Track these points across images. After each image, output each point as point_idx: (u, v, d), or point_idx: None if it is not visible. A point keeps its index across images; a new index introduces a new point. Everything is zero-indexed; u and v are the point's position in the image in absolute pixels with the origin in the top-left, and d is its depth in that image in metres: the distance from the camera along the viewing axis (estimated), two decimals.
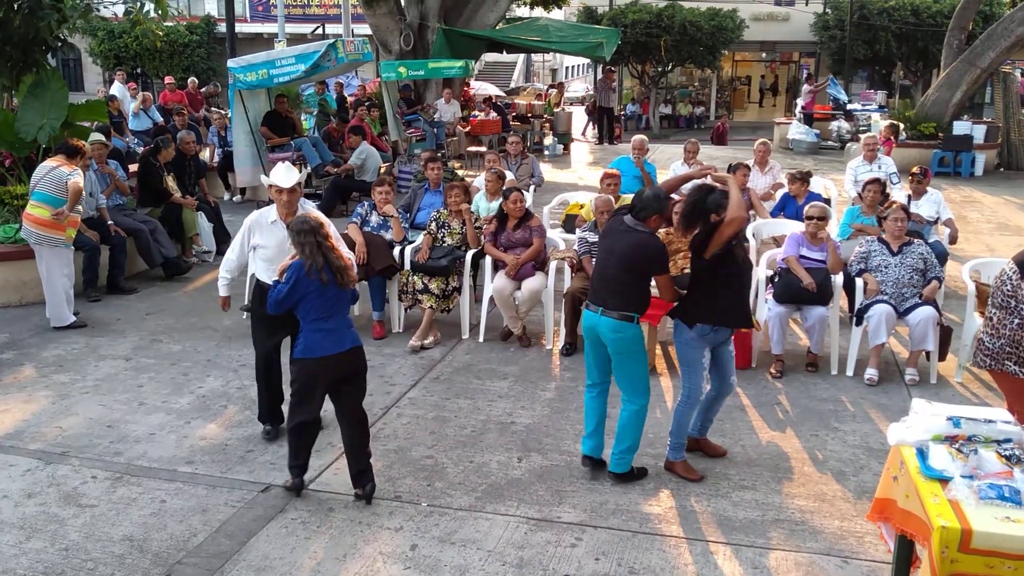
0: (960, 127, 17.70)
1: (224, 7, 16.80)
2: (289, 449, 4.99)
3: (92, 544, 4.48)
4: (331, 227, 5.15)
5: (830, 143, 21.23)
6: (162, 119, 16.52)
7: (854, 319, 6.91)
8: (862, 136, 11.76)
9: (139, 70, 32.71)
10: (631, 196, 8.80)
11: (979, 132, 17.71)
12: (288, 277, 4.72)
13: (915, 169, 8.86)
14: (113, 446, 5.59)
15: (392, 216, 7.82)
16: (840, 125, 21.54)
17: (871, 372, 6.71)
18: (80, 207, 8.07)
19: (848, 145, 19.36)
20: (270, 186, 5.50)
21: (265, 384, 5.69)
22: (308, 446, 4.98)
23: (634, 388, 5.05)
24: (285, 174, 5.46)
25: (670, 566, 4.31)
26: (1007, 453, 3.52)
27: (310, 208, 5.64)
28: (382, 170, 12.80)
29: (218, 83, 21.58)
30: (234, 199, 13.89)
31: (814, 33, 33.06)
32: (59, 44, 10.52)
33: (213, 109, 17.92)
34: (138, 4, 10.75)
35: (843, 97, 23.47)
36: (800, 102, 24.45)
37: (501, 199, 7.71)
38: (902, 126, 17.91)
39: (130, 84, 20.61)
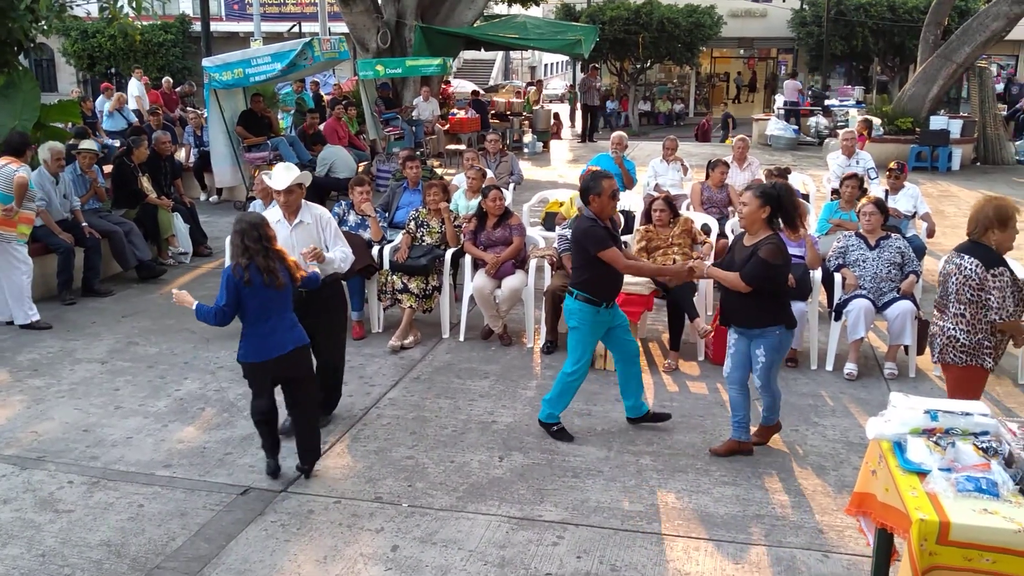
0: (937, 122, 17.84)
1: (199, 6, 16.64)
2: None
3: (69, 550, 4.43)
4: (326, 225, 5.37)
5: (808, 139, 21.36)
6: (136, 119, 16.38)
7: (833, 314, 6.95)
8: (840, 132, 11.81)
9: (113, 70, 32.39)
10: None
11: (955, 127, 17.85)
12: (221, 285, 4.75)
13: (892, 164, 8.92)
14: (89, 450, 5.52)
15: (370, 215, 7.78)
16: (818, 121, 21.69)
17: (850, 367, 6.74)
18: (33, 204, 7.98)
19: (826, 141, 19.48)
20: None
21: None
22: (269, 432, 5.09)
23: (569, 354, 5.57)
24: (281, 174, 5.52)
25: (652, 563, 4.31)
26: (984, 445, 3.53)
27: (315, 208, 5.64)
28: (360, 169, 12.74)
29: (193, 82, 21.42)
30: (211, 199, 13.79)
31: (791, 29, 33.19)
32: (32, 45, 10.40)
33: (189, 108, 17.78)
34: (112, 0, 10.63)
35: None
36: (782, 97, 24.60)
37: (480, 197, 7.69)
38: (878, 121, 18.03)
39: (104, 84, 20.41)
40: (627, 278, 7.03)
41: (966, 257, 4.52)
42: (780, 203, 5.03)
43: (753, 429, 5.51)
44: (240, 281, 4.68)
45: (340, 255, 5.60)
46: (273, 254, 4.75)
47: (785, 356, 6.65)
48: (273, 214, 5.61)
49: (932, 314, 4.87)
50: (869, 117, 17.39)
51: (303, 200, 5.64)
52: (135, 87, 18.30)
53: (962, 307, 4.55)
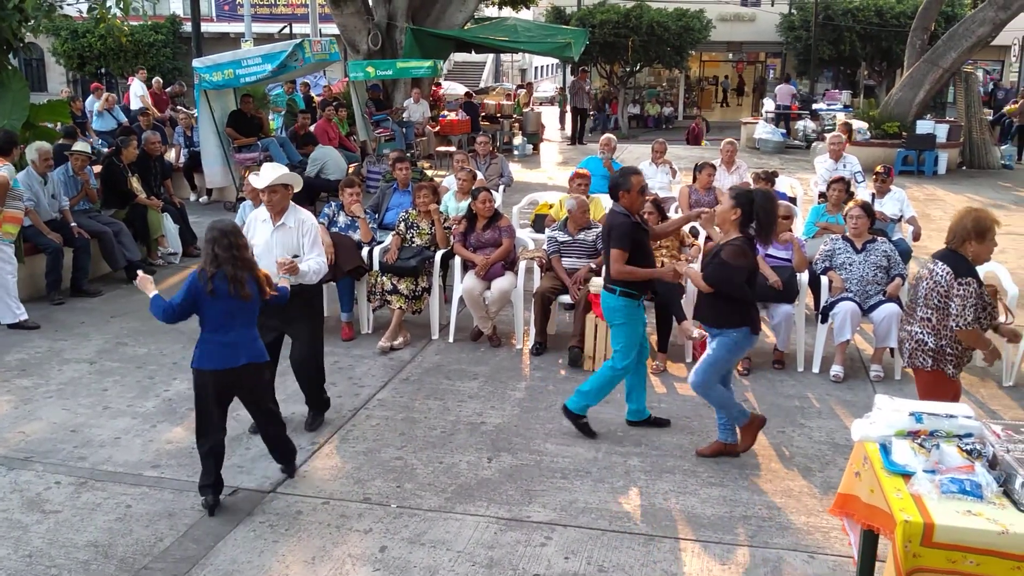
0: (923, 126, 17.94)
1: (190, 6, 16.61)
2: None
3: (56, 550, 4.42)
4: (307, 232, 5.32)
5: (796, 142, 21.45)
6: (126, 119, 16.34)
7: (820, 317, 6.99)
8: (827, 135, 11.88)
9: (103, 70, 32.26)
10: (600, 196, 8.90)
11: (942, 131, 17.96)
12: (183, 285, 4.66)
13: (879, 168, 8.98)
14: (77, 451, 5.51)
15: (359, 217, 7.78)
16: (806, 124, 21.78)
17: (836, 369, 6.78)
18: (21, 203, 7.97)
19: (814, 144, 19.57)
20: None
21: None
22: (215, 466, 4.83)
23: (616, 351, 5.59)
24: (266, 173, 5.46)
25: (639, 564, 4.33)
26: (968, 447, 3.57)
27: (301, 213, 5.57)
28: (350, 170, 12.74)
29: (183, 83, 21.37)
30: (200, 200, 13.76)
31: (780, 33, 33.32)
32: (21, 44, 10.37)
33: (179, 108, 17.73)
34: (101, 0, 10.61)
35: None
36: (772, 101, 24.68)
37: (470, 199, 7.71)
38: (864, 125, 18.12)
39: (94, 84, 20.34)
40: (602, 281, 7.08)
41: (939, 263, 4.59)
42: (752, 208, 5.04)
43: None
44: (203, 288, 4.57)
45: (314, 266, 5.46)
46: (242, 264, 4.62)
47: (741, 360, 6.56)
48: (261, 212, 5.61)
49: (902, 318, 4.94)
50: (850, 121, 17.44)
51: (292, 204, 5.58)
52: (139, 87, 18.22)
53: (929, 312, 4.63)
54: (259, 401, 4.96)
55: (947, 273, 4.52)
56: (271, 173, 5.45)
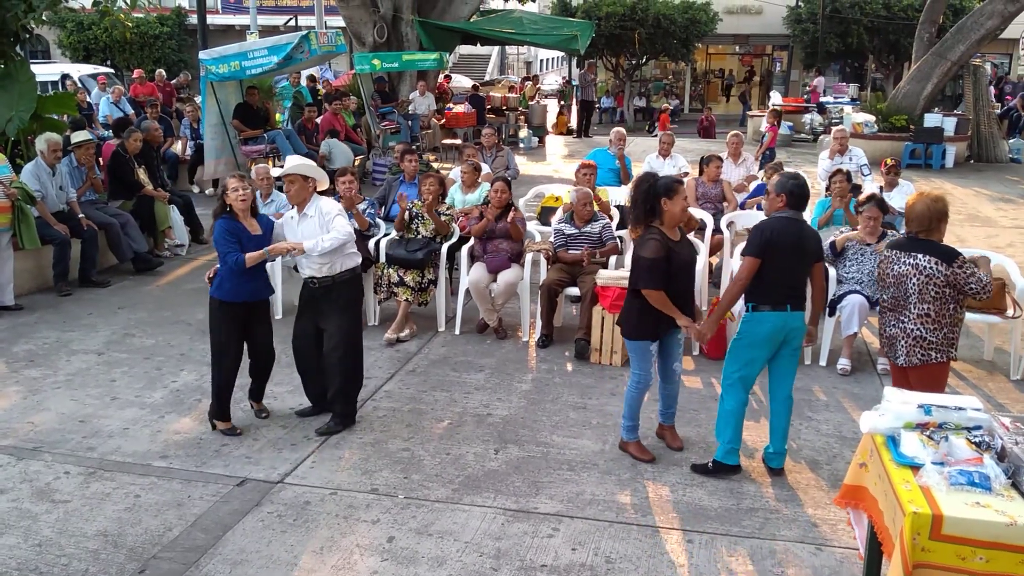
0: (931, 119, 17.88)
1: None
2: None
3: (66, 539, 4.44)
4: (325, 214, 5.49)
5: (803, 136, 21.39)
6: (133, 112, 16.31)
7: (827, 310, 6.97)
8: (833, 128, 11.86)
9: (108, 62, 32.28)
10: (607, 188, 8.88)
11: (949, 124, 17.90)
12: None
13: (889, 160, 8.95)
14: (86, 441, 5.53)
15: (352, 209, 7.69)
16: (813, 118, 21.71)
17: (844, 362, 6.77)
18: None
19: (820, 138, 19.51)
20: None
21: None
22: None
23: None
24: (287, 164, 5.59)
25: (646, 555, 4.33)
26: (977, 440, 3.56)
27: (322, 202, 5.58)
28: (356, 163, 12.73)
29: (188, 73, 21.32)
30: (206, 192, 13.74)
31: (787, 26, 33.18)
32: (27, 35, 10.37)
33: (186, 97, 17.64)
34: None
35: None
36: (777, 95, 24.58)
37: (477, 191, 7.69)
38: (872, 118, 18.02)
39: (100, 76, 20.30)
40: (609, 273, 7.07)
41: (919, 256, 4.59)
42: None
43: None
44: None
45: (324, 243, 5.40)
46: None
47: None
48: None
49: (884, 317, 4.88)
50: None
51: (316, 195, 5.57)
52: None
53: (926, 306, 4.61)
54: None
55: (936, 263, 4.54)
56: (287, 164, 5.57)
